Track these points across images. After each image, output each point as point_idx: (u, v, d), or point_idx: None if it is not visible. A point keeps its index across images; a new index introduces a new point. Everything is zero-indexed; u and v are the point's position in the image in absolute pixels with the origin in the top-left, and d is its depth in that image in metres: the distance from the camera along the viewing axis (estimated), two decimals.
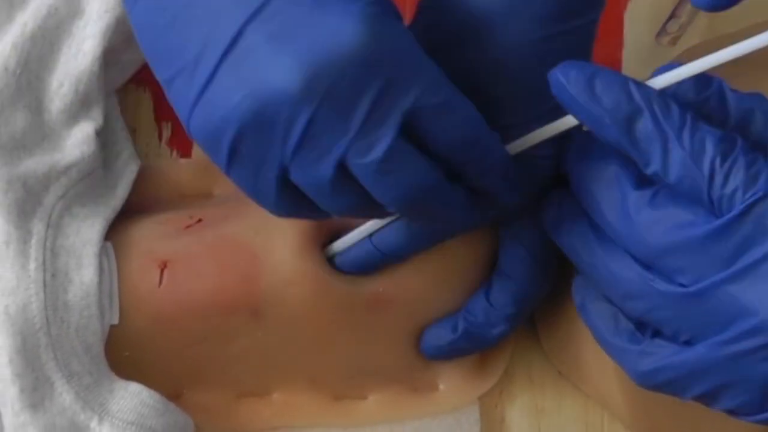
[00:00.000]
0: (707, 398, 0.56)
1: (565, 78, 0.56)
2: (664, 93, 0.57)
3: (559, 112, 0.59)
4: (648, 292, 0.56)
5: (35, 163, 0.67)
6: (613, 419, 0.72)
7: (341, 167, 0.56)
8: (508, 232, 0.66)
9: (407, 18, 0.70)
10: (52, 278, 0.64)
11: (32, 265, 0.64)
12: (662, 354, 0.56)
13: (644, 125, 0.55)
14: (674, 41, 0.77)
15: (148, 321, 0.66)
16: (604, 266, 0.58)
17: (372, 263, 0.66)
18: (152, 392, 0.65)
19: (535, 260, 0.67)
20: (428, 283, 0.68)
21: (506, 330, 0.67)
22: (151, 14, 0.58)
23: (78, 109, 0.69)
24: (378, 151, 0.55)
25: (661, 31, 0.77)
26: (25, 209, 0.65)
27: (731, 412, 0.56)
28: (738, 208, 0.53)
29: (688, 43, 0.74)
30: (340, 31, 0.54)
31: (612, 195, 0.58)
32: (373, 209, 0.58)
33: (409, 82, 0.55)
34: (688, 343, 0.56)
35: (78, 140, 0.68)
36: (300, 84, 0.54)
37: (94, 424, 0.63)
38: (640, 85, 0.56)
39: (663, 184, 0.56)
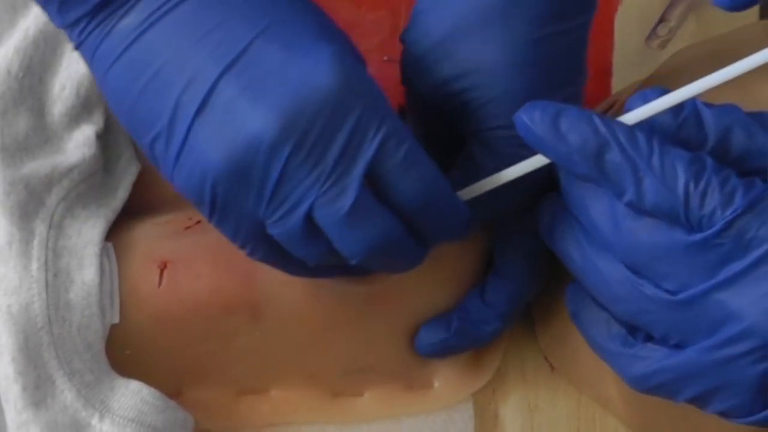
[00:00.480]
0: (699, 401, 0.57)
1: (529, 119, 0.56)
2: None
3: None
4: (636, 296, 0.56)
5: (38, 165, 0.66)
6: (606, 415, 0.72)
7: (310, 219, 0.57)
8: (502, 232, 0.67)
9: (402, 22, 0.71)
10: (54, 278, 0.64)
11: (34, 265, 0.64)
12: (654, 358, 0.57)
13: (613, 157, 0.55)
14: (664, 44, 0.77)
15: (149, 320, 0.66)
16: (595, 269, 0.58)
17: None
18: (152, 390, 0.65)
19: (529, 260, 0.67)
20: (422, 282, 0.68)
21: (500, 328, 0.68)
22: (123, 82, 0.59)
23: (79, 112, 0.69)
24: (345, 202, 0.56)
25: (651, 35, 0.78)
26: (27, 210, 0.65)
27: (723, 414, 0.57)
28: (719, 224, 0.53)
29: (678, 47, 0.74)
30: (312, 78, 0.56)
31: (600, 202, 0.58)
32: (341, 259, 0.59)
33: (375, 129, 0.56)
34: (677, 346, 0.56)
35: (79, 143, 0.68)
36: (274, 132, 0.55)
37: (95, 421, 0.63)
38: (605, 119, 0.56)
39: None
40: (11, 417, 0.63)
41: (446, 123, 0.63)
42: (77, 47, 0.60)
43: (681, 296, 0.55)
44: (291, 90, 0.56)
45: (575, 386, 0.72)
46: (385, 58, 0.74)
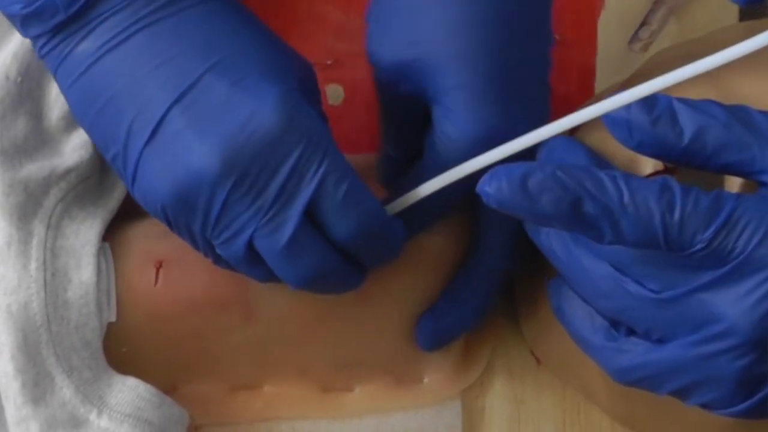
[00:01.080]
0: (680, 394, 0.57)
1: (496, 189, 0.55)
2: (593, 164, 0.59)
3: None
4: (620, 293, 0.57)
5: (36, 168, 0.66)
6: (590, 407, 0.72)
7: (252, 246, 0.59)
8: (483, 209, 0.66)
9: None
10: (52, 277, 0.64)
11: (33, 265, 0.64)
12: (636, 352, 0.57)
13: (587, 209, 0.54)
14: (646, 47, 0.78)
15: (145, 318, 0.66)
16: (579, 266, 0.58)
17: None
18: (149, 386, 0.65)
19: (510, 236, 0.67)
20: (408, 277, 0.69)
21: (482, 305, 0.68)
22: (81, 103, 0.61)
23: None
24: (283, 236, 0.58)
25: (634, 38, 0.78)
26: (26, 212, 0.65)
27: (705, 406, 0.57)
28: (698, 245, 0.54)
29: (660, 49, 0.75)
30: (255, 117, 0.57)
31: None
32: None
33: (315, 169, 0.58)
34: (660, 341, 0.57)
35: (76, 145, 0.68)
36: (216, 168, 0.57)
37: (93, 417, 0.64)
38: (567, 170, 0.55)
39: None
40: (11, 413, 0.63)
41: (412, 104, 0.64)
42: (42, 58, 0.62)
43: (664, 295, 0.55)
44: (234, 128, 0.57)
45: (560, 379, 0.72)
46: None
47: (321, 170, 0.58)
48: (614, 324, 0.58)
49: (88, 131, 0.63)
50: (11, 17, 0.61)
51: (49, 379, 0.63)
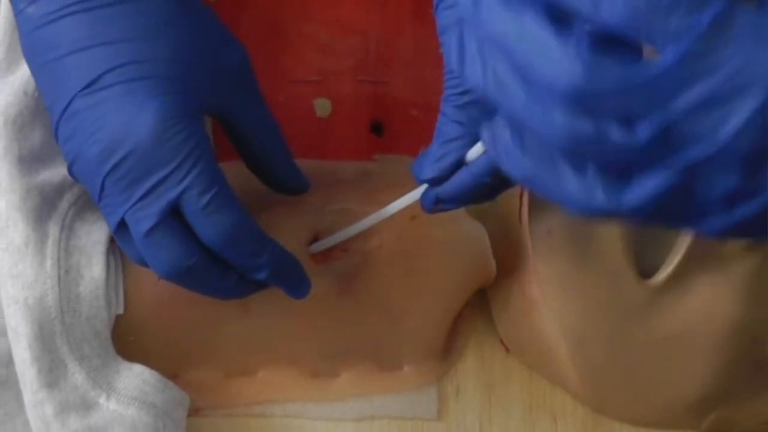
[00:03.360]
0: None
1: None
2: None
3: None
4: None
5: (51, 174, 0.67)
6: (555, 391, 0.73)
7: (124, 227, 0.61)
8: None
9: (372, 46, 0.73)
10: (66, 274, 0.65)
11: (48, 263, 0.65)
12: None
13: None
14: None
15: (150, 311, 0.67)
16: None
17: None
18: (153, 372, 0.66)
19: None
20: (387, 276, 0.69)
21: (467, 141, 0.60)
22: (29, 53, 0.63)
23: None
24: (144, 226, 0.60)
25: None
26: (41, 214, 0.66)
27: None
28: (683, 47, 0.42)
29: None
30: (134, 123, 0.59)
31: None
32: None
33: (180, 179, 0.59)
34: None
35: None
36: (97, 154, 0.60)
37: (102, 400, 0.64)
38: None
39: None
40: (28, 397, 0.64)
41: None
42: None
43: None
44: (117, 127, 0.59)
45: (531, 368, 0.73)
46: (359, 77, 0.75)
47: (186, 180, 0.59)
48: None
49: (34, 77, 0.64)
50: None
51: (63, 366, 0.64)
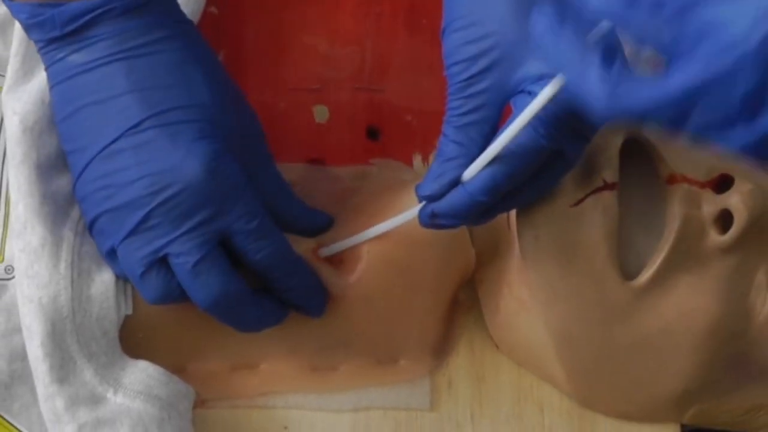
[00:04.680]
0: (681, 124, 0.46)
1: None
2: None
3: None
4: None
5: (64, 182, 0.67)
6: (541, 384, 0.73)
7: (158, 261, 0.63)
8: None
9: (369, 56, 0.73)
10: (78, 276, 0.66)
11: (62, 265, 0.65)
12: (640, 85, 0.46)
13: None
14: None
15: (156, 311, 0.67)
16: None
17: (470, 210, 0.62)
18: (157, 367, 0.66)
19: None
20: (382, 273, 0.70)
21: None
22: (62, 99, 0.65)
23: None
24: (193, 256, 0.62)
25: None
26: (57, 219, 0.66)
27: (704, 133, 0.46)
28: None
29: None
30: (184, 163, 0.61)
31: None
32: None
33: (230, 210, 0.62)
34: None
35: None
36: (144, 188, 0.62)
37: (110, 394, 0.65)
38: None
39: None
40: (40, 390, 0.64)
41: None
42: (38, 52, 0.66)
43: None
44: (164, 169, 0.62)
45: (520, 365, 0.74)
46: (355, 85, 0.77)
47: (236, 210, 0.62)
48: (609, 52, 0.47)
49: (57, 125, 0.66)
50: (18, 21, 0.65)
51: (72, 362, 0.65)
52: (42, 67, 0.67)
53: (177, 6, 0.67)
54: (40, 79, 0.69)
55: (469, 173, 0.60)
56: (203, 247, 0.62)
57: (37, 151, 0.67)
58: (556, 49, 0.48)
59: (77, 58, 0.63)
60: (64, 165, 0.68)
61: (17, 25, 0.70)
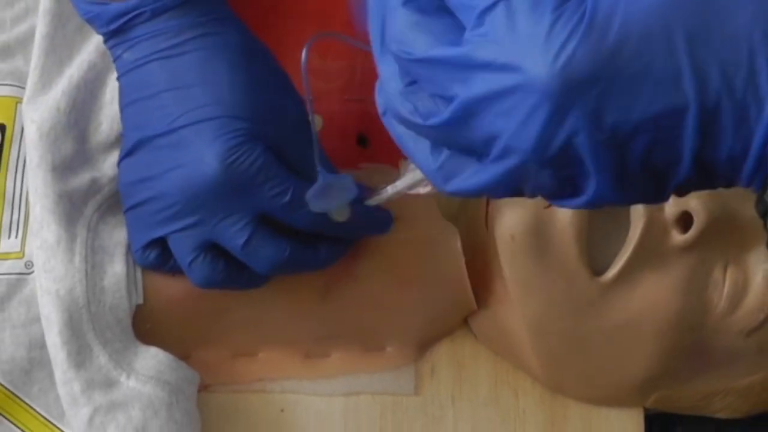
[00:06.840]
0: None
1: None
2: None
3: None
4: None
5: (78, 182, 0.69)
6: (516, 371, 0.74)
7: (205, 249, 0.65)
8: None
9: (359, 70, 0.75)
10: (92, 269, 0.67)
11: (77, 259, 0.67)
12: (465, 173, 0.45)
13: None
14: None
15: (165, 301, 0.69)
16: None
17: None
18: (167, 353, 0.68)
19: None
20: (373, 267, 0.71)
21: None
22: (123, 91, 0.67)
23: (113, 141, 0.72)
24: (240, 239, 0.64)
25: None
26: (71, 218, 0.68)
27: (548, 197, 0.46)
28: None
29: None
30: (202, 163, 0.64)
31: None
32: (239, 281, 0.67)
33: (259, 191, 0.63)
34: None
35: (112, 165, 0.71)
36: (178, 185, 0.64)
37: (123, 378, 0.66)
38: None
39: None
40: (59, 375, 0.66)
41: None
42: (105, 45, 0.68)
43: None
44: (192, 161, 0.64)
45: (497, 354, 0.75)
46: (346, 97, 0.78)
47: (265, 191, 0.63)
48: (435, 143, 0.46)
49: (120, 110, 0.68)
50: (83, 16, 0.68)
51: (88, 349, 0.66)
52: (56, 81, 0.71)
53: (216, 3, 0.68)
54: (56, 90, 0.70)
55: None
56: (246, 229, 0.64)
57: (52, 155, 0.69)
58: (400, 139, 0.48)
59: (128, 56, 0.66)
60: (78, 166, 0.70)
61: (37, 41, 0.72)
